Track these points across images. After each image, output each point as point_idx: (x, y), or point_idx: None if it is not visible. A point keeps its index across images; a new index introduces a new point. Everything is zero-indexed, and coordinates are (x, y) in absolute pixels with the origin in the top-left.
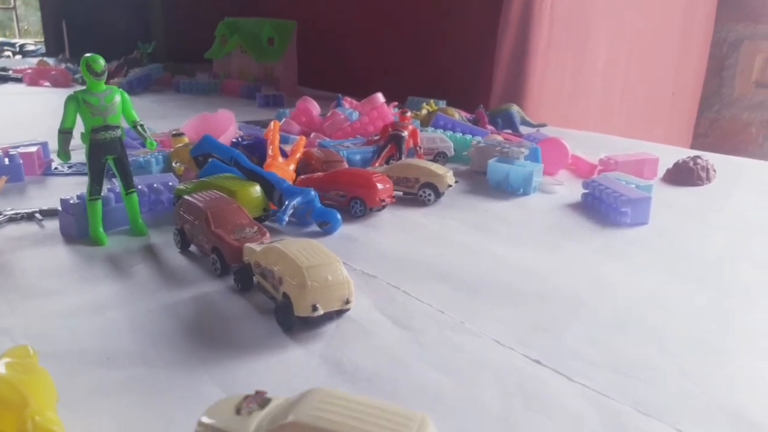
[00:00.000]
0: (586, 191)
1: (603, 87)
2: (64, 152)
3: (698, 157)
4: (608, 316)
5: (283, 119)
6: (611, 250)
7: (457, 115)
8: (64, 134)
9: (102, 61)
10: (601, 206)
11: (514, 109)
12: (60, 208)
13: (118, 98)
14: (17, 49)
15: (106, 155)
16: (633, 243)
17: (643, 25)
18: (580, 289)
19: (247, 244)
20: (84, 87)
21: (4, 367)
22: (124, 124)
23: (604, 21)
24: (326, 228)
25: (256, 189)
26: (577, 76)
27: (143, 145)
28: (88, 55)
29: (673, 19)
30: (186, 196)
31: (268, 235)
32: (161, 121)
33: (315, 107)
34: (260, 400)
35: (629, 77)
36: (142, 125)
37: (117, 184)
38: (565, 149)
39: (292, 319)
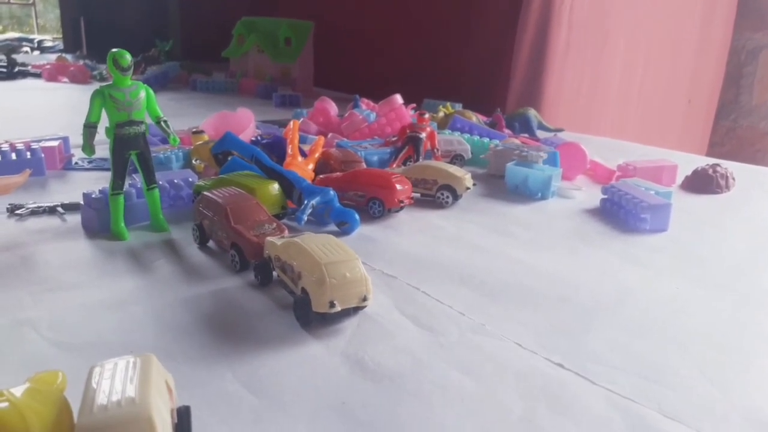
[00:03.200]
0: (605, 197)
1: (619, 93)
2: (89, 146)
3: (717, 164)
4: (629, 320)
5: (301, 119)
6: (631, 255)
7: (474, 117)
8: (89, 128)
9: (128, 57)
10: (620, 212)
11: (531, 113)
12: (82, 202)
13: (143, 94)
14: (35, 45)
15: (130, 150)
16: (652, 249)
17: (661, 32)
18: (601, 294)
19: (269, 238)
20: (103, 83)
21: (22, 392)
22: (147, 120)
23: (622, 26)
24: (344, 228)
25: (275, 186)
26: (594, 82)
27: (163, 142)
28: (114, 50)
29: (692, 26)
30: (205, 192)
31: (286, 231)
32: (178, 118)
33: (333, 107)
34: None
35: (646, 83)
36: (165, 121)
37: (138, 179)
38: (584, 154)
39: (310, 315)
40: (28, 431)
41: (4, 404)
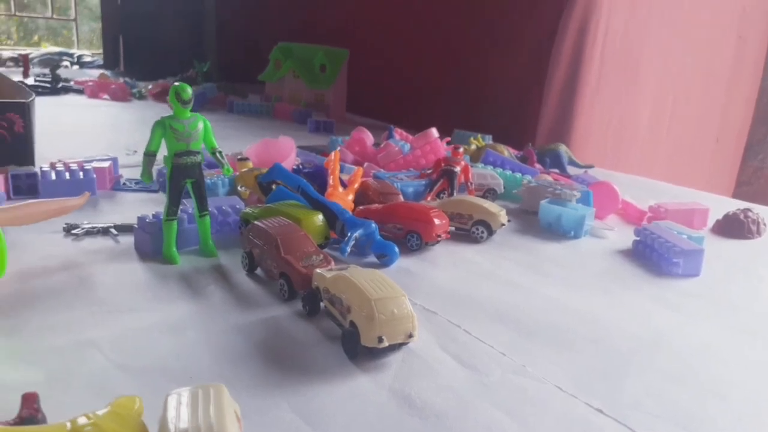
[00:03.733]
0: (638, 238)
1: (648, 130)
2: (147, 174)
3: (749, 209)
4: (665, 366)
5: (339, 147)
6: (664, 299)
7: (506, 152)
8: (149, 156)
9: (190, 90)
10: (652, 255)
11: (562, 149)
12: (136, 225)
13: (201, 125)
14: (75, 60)
15: (186, 179)
16: (685, 294)
17: (691, 69)
18: (635, 338)
19: (317, 270)
20: (142, 101)
21: (104, 415)
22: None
23: (653, 62)
24: (384, 260)
25: (320, 218)
26: (624, 118)
27: (209, 167)
28: (177, 83)
29: (722, 64)
30: (256, 222)
31: (333, 263)
32: (219, 141)
33: (369, 137)
34: None
35: (675, 121)
36: (220, 152)
37: (189, 204)
38: (616, 194)
39: (357, 348)
40: None
41: (91, 428)
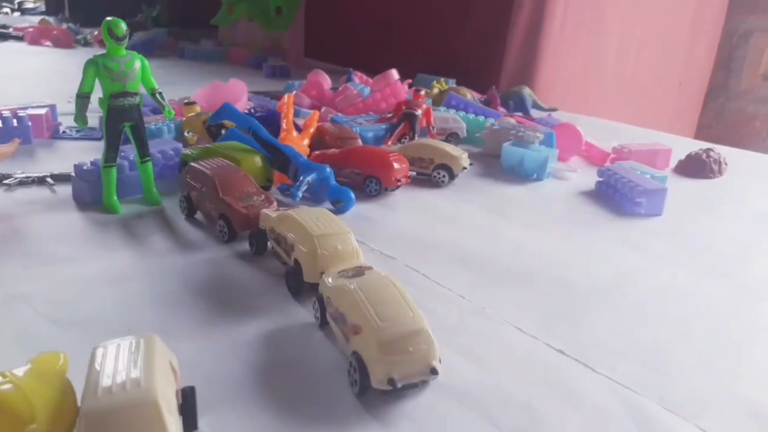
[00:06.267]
0: (601, 179)
1: (613, 73)
2: (81, 117)
3: (711, 149)
4: (627, 306)
5: (294, 92)
6: (626, 239)
7: (470, 95)
8: (83, 98)
9: (123, 26)
10: (615, 195)
11: (526, 91)
12: (73, 174)
13: (138, 64)
14: (16, 6)
15: (124, 122)
16: (647, 233)
17: (655, 14)
18: (598, 278)
19: (264, 211)
20: (86, 48)
21: (23, 373)
22: (141, 91)
23: (617, 7)
24: (339, 206)
25: (259, 159)
26: (588, 62)
27: (154, 112)
28: (109, 18)
29: (686, 8)
30: (193, 163)
31: (275, 203)
32: (167, 87)
33: (326, 81)
34: None
35: (639, 65)
36: (161, 93)
37: (129, 150)
38: (579, 135)
39: (301, 285)
40: (33, 414)
41: (8, 386)
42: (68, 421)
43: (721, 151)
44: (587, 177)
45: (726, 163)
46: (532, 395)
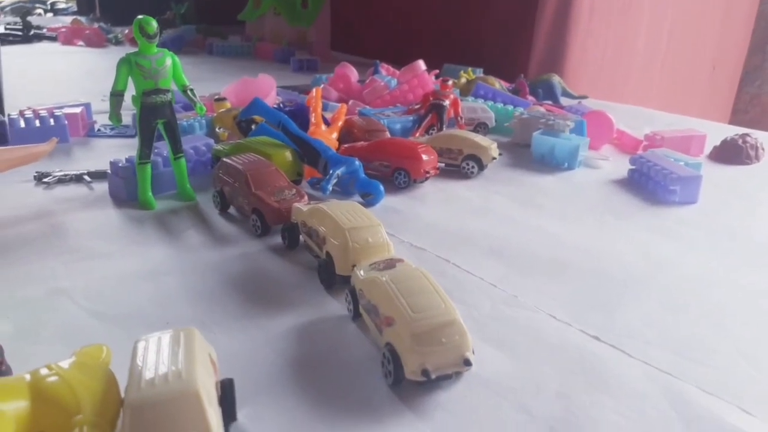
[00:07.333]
0: (633, 167)
1: (643, 59)
2: (115, 115)
3: (747, 134)
4: (662, 295)
5: (322, 85)
6: (661, 228)
7: (498, 84)
8: (116, 96)
9: (155, 24)
10: (648, 183)
11: (556, 79)
12: (109, 171)
13: (169, 61)
14: (48, 7)
15: (157, 119)
16: (683, 222)
17: None
18: (632, 267)
19: (295, 205)
20: (119, 47)
21: (69, 365)
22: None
23: None
24: (369, 199)
25: (289, 153)
26: (618, 48)
27: (185, 109)
28: (140, 17)
29: None
30: (225, 159)
31: (306, 197)
32: (196, 83)
33: (353, 73)
34: None
35: (670, 49)
36: (192, 90)
37: (163, 147)
38: (611, 123)
39: (333, 278)
40: (78, 405)
41: (54, 378)
42: (112, 412)
43: (758, 136)
44: (619, 165)
45: (763, 149)
46: (567, 383)
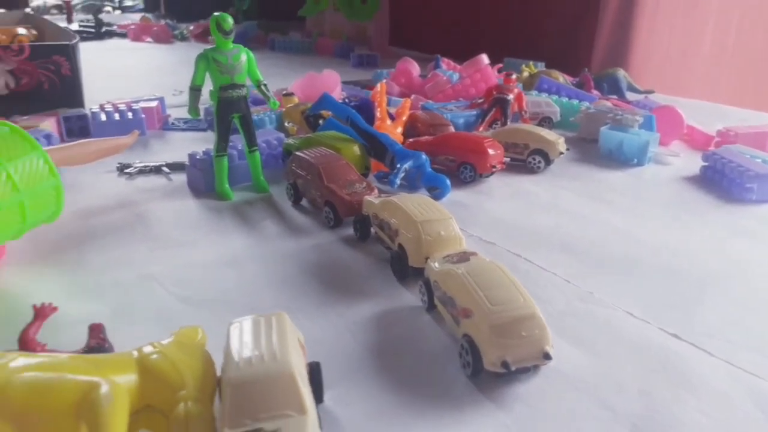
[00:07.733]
0: (706, 164)
1: (712, 50)
2: (194, 109)
3: None
4: (741, 294)
5: (383, 80)
6: (737, 226)
7: (562, 78)
8: (194, 91)
9: (231, 20)
10: (723, 180)
11: (621, 73)
12: (188, 163)
13: (244, 57)
14: (117, 4)
15: (233, 113)
16: (760, 220)
17: None
18: (709, 265)
19: (366, 198)
20: (184, 42)
21: (172, 345)
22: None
23: None
24: (435, 193)
25: (357, 147)
26: (685, 40)
27: (255, 103)
28: (217, 13)
29: None
30: (297, 153)
31: (376, 190)
32: None
33: (415, 68)
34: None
35: (740, 40)
36: (265, 85)
37: (238, 142)
38: (681, 118)
39: (406, 270)
40: (183, 381)
41: (158, 355)
42: (211, 389)
43: None
44: (690, 162)
45: None
46: (648, 381)
